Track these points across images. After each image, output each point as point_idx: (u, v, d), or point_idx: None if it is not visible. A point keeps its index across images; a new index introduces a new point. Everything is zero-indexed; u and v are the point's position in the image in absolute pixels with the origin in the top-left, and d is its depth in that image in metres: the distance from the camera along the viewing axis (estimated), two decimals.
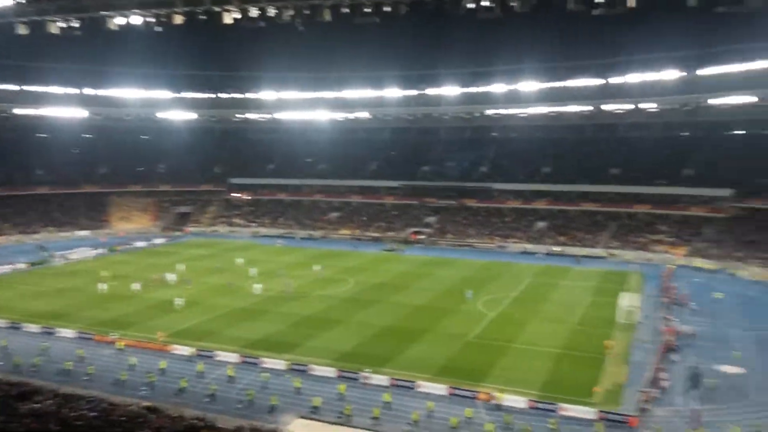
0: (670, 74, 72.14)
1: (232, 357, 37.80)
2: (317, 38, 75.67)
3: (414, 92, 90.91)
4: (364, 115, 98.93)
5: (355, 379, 34.46)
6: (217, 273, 63.19)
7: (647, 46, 73.77)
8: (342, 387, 32.75)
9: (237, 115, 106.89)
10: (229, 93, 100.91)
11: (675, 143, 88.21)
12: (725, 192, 75.40)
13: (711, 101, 76.75)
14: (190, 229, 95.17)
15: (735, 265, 64.00)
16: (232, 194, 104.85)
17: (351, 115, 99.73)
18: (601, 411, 30.18)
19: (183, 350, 38.95)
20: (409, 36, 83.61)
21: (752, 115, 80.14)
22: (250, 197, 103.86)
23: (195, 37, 71.63)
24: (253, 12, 37.49)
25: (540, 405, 31.30)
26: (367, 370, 35.01)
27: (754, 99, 72.95)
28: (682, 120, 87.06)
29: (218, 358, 37.86)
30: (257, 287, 54.66)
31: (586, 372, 35.67)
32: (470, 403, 31.38)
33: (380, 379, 34.23)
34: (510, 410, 30.45)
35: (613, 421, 29.46)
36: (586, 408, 30.61)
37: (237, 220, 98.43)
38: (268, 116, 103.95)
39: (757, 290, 56.20)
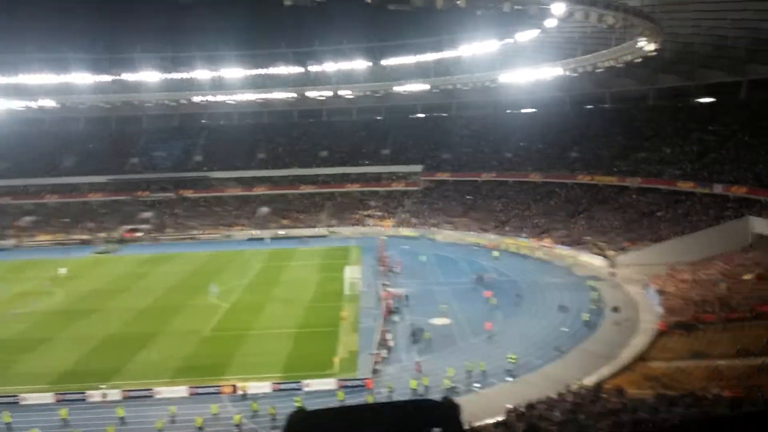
0: (360, 64, 79.05)
1: None
2: None
3: (108, 78, 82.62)
4: (50, 103, 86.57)
5: (80, 401, 30.59)
6: None
7: (338, 37, 79.70)
8: (63, 412, 28.78)
9: None
10: None
11: (372, 126, 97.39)
12: (416, 168, 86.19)
13: (395, 88, 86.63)
14: None
15: (432, 230, 73.93)
16: None
17: (33, 104, 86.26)
18: (340, 379, 32.22)
19: None
20: (96, 15, 75.73)
21: (428, 100, 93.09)
22: None
23: None
24: None
25: (284, 386, 32.03)
26: (101, 386, 31.51)
27: (427, 87, 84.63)
28: (374, 105, 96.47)
29: None
30: None
31: (324, 345, 37.55)
32: (215, 399, 30.56)
33: (110, 394, 31.04)
34: (255, 397, 30.51)
35: (353, 386, 31.68)
36: (327, 380, 32.36)
37: None
38: None
39: (450, 250, 65.69)
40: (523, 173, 77.73)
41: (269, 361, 35.55)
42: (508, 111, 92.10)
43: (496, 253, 61.07)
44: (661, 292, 41.41)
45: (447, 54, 74.17)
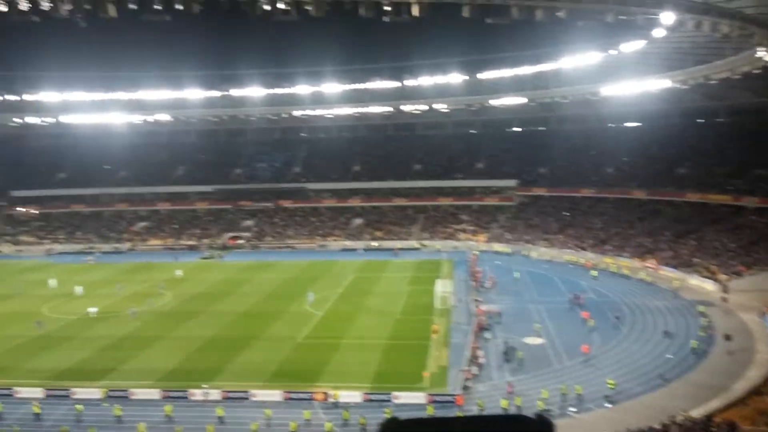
0: (456, 77, 78.76)
1: (36, 392, 33.11)
2: (105, 34, 69.30)
3: (217, 93, 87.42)
4: (165, 117, 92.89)
5: (183, 398, 32.37)
6: (7, 299, 55.16)
7: (434, 51, 79.80)
8: (168, 408, 30.55)
9: (14, 120, 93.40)
10: (1, 95, 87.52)
11: (466, 140, 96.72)
12: (511, 182, 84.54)
13: (491, 102, 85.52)
14: None
15: (526, 246, 72.13)
16: (15, 209, 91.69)
17: (150, 118, 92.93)
18: (430, 394, 31.98)
19: None
20: (207, 35, 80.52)
21: (525, 114, 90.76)
22: (38, 211, 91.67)
23: None
24: (23, 4, 32.29)
25: (374, 396, 32.22)
26: (204, 386, 33.22)
27: (524, 100, 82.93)
28: (469, 119, 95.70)
29: (19, 396, 32.96)
30: (92, 310, 49.12)
31: (414, 358, 37.50)
32: (307, 405, 31.29)
33: (211, 394, 32.60)
34: (346, 406, 30.85)
35: (442, 402, 31.34)
36: (417, 393, 32.20)
37: (25, 238, 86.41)
38: (52, 120, 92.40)
39: (545, 267, 63.76)
40: (626, 190, 74.18)
41: (360, 371, 35.94)
42: (610, 125, 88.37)
43: (594, 273, 58.52)
44: None
45: (545, 66, 72.34)
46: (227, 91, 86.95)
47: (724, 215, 62.40)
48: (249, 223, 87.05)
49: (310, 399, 32.22)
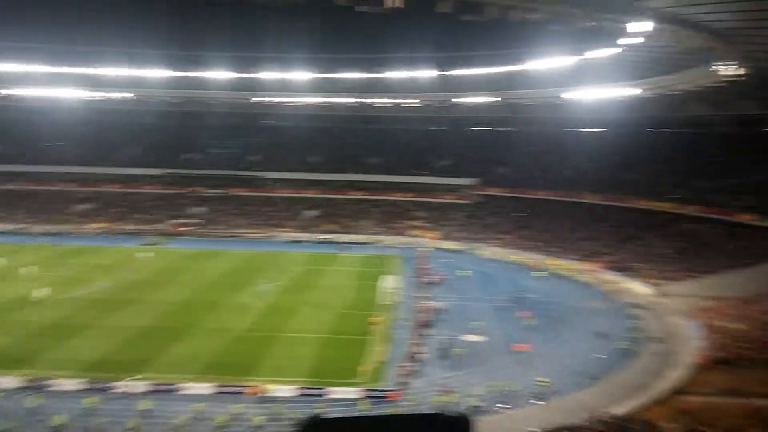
0: (426, 73, 78.50)
1: None
2: (63, 5, 66.42)
3: (179, 74, 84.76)
4: (121, 95, 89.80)
5: (107, 390, 31.27)
6: None
7: (406, 46, 79.14)
8: (90, 400, 29.44)
9: None
10: None
11: (431, 136, 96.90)
12: (471, 181, 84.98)
13: (459, 100, 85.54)
14: None
15: (477, 245, 72.63)
16: None
17: (105, 95, 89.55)
18: (366, 389, 31.82)
19: None
20: (171, 13, 77.92)
21: (491, 114, 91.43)
22: None
23: None
24: None
25: (308, 391, 31.84)
26: (132, 377, 32.19)
27: (492, 99, 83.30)
28: (436, 116, 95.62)
29: None
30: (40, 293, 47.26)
31: (352, 353, 37.19)
32: (238, 399, 30.66)
33: (138, 386, 31.62)
34: (279, 400, 30.42)
35: (377, 397, 31.21)
36: (352, 388, 31.99)
37: None
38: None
39: (493, 267, 64.26)
40: (578, 193, 75.44)
41: (297, 365, 35.50)
42: (572, 129, 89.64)
43: (539, 274, 59.40)
44: (705, 326, 39.22)
45: (516, 68, 72.62)
46: (190, 72, 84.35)
47: (666, 222, 64.09)
48: (198, 209, 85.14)
49: (242, 393, 31.60)
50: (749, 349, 33.90)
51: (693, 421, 25.25)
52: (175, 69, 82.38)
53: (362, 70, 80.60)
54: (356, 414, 25.83)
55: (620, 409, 28.36)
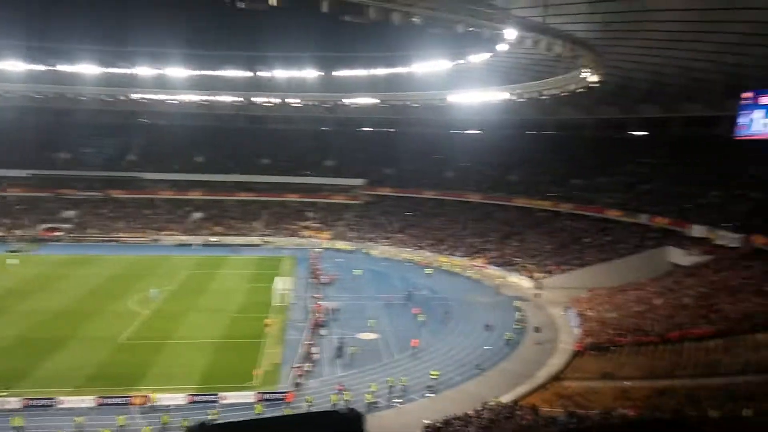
0: (311, 73, 78.32)
1: None
2: None
3: (42, 67, 78.24)
4: None
5: None
6: None
7: (290, 44, 78.24)
8: None
9: None
10: None
11: (317, 137, 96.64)
12: (359, 181, 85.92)
13: (345, 100, 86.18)
14: None
15: (368, 245, 73.62)
16: None
17: None
18: (260, 392, 31.29)
19: None
20: (30, 2, 71.42)
21: (376, 115, 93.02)
22: None
23: None
24: None
25: (200, 398, 30.78)
26: (2, 392, 29.36)
27: (376, 101, 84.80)
28: (322, 116, 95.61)
29: None
30: None
31: (246, 357, 36.42)
32: (123, 410, 28.99)
33: (9, 402, 28.95)
34: (167, 410, 29.20)
35: (272, 400, 30.84)
36: (247, 392, 31.36)
37: None
38: None
39: (384, 266, 65.52)
40: (462, 193, 78.72)
41: (187, 372, 34.24)
42: (454, 131, 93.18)
43: (429, 271, 61.33)
44: (580, 315, 42.50)
45: (399, 70, 74.08)
46: (54, 66, 77.95)
47: (544, 220, 68.65)
48: (70, 213, 79.02)
49: (127, 404, 29.89)
50: (620, 335, 37.09)
51: (571, 404, 27.32)
52: (35, 62, 75.91)
53: (244, 67, 78.61)
54: (248, 418, 25.41)
55: (507, 397, 30.12)
